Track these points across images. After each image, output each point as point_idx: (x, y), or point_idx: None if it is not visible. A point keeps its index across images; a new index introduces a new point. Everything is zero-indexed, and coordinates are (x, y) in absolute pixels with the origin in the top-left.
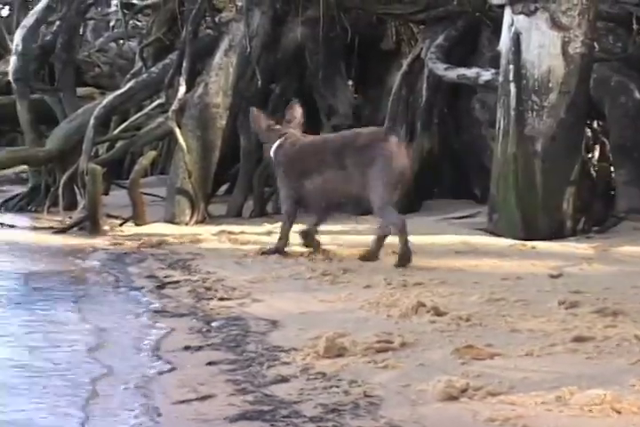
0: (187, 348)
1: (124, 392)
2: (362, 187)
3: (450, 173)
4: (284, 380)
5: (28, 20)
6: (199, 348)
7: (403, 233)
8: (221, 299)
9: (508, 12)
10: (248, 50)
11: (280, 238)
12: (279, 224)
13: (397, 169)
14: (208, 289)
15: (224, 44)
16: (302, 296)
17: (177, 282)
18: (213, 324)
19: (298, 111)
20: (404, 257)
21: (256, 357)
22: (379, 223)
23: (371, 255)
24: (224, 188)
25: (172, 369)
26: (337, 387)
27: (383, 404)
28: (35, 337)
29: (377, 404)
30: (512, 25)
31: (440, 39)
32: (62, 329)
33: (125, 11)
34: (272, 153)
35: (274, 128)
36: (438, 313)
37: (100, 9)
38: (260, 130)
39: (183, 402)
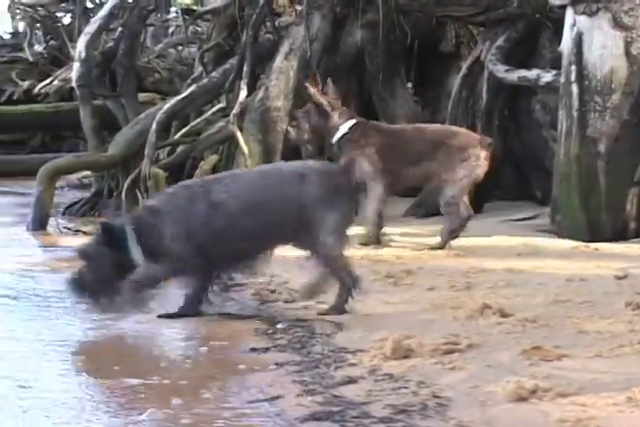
0: (253, 349)
1: None
2: (441, 180)
3: (510, 175)
4: (352, 381)
5: (91, 27)
6: (266, 349)
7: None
8: (286, 301)
9: (569, 12)
10: (308, 53)
11: (370, 234)
12: None
13: (480, 174)
14: (272, 292)
15: (284, 48)
16: (366, 298)
17: (240, 285)
18: (278, 326)
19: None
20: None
21: (322, 358)
22: (449, 218)
23: (438, 246)
24: None
25: (240, 370)
26: (405, 388)
27: (452, 405)
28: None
29: (446, 405)
30: (574, 26)
31: (500, 41)
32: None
33: (186, 16)
34: (342, 135)
35: (337, 111)
36: (504, 315)
37: (159, 15)
38: (316, 119)
39: (253, 402)
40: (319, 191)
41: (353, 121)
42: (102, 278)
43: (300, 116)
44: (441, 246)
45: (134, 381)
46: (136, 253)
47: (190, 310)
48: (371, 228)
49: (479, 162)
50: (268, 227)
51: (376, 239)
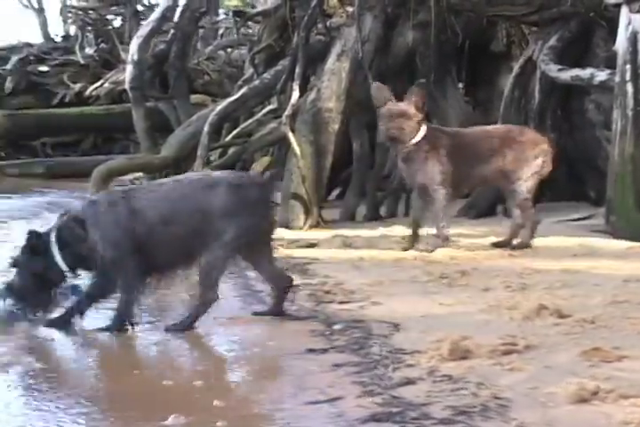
0: (311, 350)
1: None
2: (513, 178)
3: (563, 175)
4: (411, 382)
5: (143, 29)
6: (323, 350)
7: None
8: (341, 302)
9: (624, 11)
10: (360, 54)
11: (438, 236)
12: (394, 228)
13: (547, 171)
14: (327, 292)
15: (336, 49)
16: (421, 299)
17: (296, 286)
18: (335, 327)
19: (421, 95)
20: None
21: (380, 359)
22: (523, 214)
23: (524, 244)
24: (336, 192)
25: (298, 372)
26: (464, 389)
27: (513, 406)
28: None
29: (506, 406)
30: (629, 24)
31: (553, 40)
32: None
33: (237, 18)
34: (419, 140)
35: (413, 117)
36: (561, 316)
37: (209, 17)
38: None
39: (313, 403)
40: (223, 203)
41: (425, 126)
42: (29, 285)
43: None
44: (528, 244)
45: (194, 382)
46: (59, 260)
47: (119, 323)
48: (438, 232)
49: (547, 159)
50: (181, 238)
51: (443, 243)
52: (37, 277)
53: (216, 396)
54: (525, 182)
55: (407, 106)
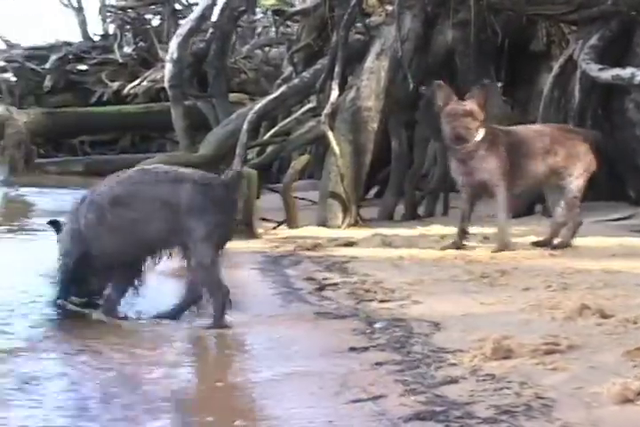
0: (352, 349)
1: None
2: (558, 175)
3: (603, 175)
4: (454, 381)
5: (183, 28)
6: (365, 349)
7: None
8: (381, 301)
9: None
10: (399, 53)
11: (500, 236)
12: (432, 227)
13: (595, 169)
14: (367, 291)
15: (375, 48)
16: (462, 298)
17: (335, 284)
18: (376, 325)
19: (484, 95)
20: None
21: (422, 358)
22: (569, 213)
23: (564, 243)
24: (374, 191)
25: (341, 370)
26: (507, 389)
27: (556, 406)
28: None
29: (550, 406)
30: None
31: (594, 40)
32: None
33: (276, 17)
34: (481, 141)
35: (478, 117)
36: (604, 316)
37: (246, 16)
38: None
39: (356, 402)
40: (190, 200)
41: (486, 128)
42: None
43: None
44: (568, 244)
45: (236, 379)
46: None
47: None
48: (501, 232)
49: (594, 157)
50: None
51: (507, 243)
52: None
53: (257, 394)
54: (576, 180)
55: (472, 105)
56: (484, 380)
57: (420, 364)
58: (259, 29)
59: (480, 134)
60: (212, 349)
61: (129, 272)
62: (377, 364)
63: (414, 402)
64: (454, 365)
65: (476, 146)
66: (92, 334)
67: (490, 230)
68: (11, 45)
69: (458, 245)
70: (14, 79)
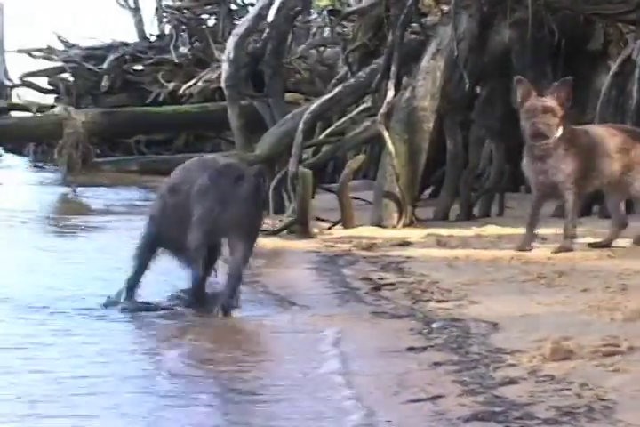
0: (410, 349)
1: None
2: (628, 175)
3: None
4: (513, 382)
5: (240, 28)
6: (423, 349)
7: None
8: (438, 301)
9: None
10: (455, 53)
11: (565, 237)
12: (487, 227)
13: None
14: (424, 291)
15: (431, 48)
16: (519, 299)
17: (392, 284)
18: (433, 325)
19: (565, 91)
20: None
21: (480, 358)
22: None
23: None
24: (428, 191)
25: (399, 369)
26: (568, 390)
27: (618, 408)
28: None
29: (611, 408)
30: None
31: None
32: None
33: (332, 17)
34: (559, 139)
35: (558, 113)
36: None
37: (301, 16)
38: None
39: (415, 401)
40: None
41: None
42: None
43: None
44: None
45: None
46: None
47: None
48: (567, 234)
49: None
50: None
51: (569, 246)
52: None
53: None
54: None
55: (552, 101)
56: (543, 381)
57: (478, 364)
58: (313, 29)
59: (559, 132)
60: (269, 346)
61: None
62: (435, 364)
63: (473, 402)
64: (513, 365)
65: (555, 144)
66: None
67: (547, 231)
68: (69, 46)
69: (521, 248)
70: (72, 79)
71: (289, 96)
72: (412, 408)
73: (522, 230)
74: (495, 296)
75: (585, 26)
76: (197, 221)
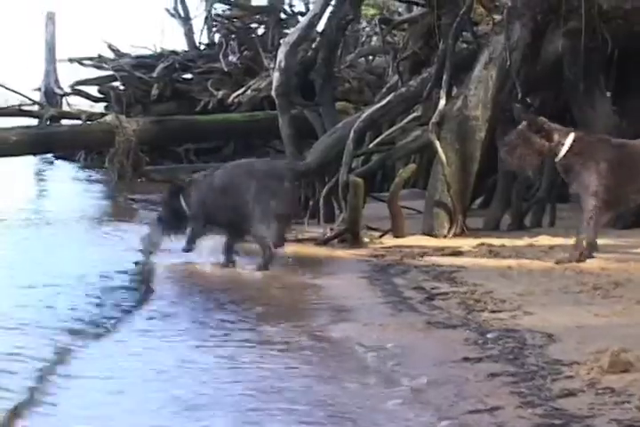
0: (466, 359)
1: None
2: None
3: None
4: (572, 394)
5: (291, 36)
6: (478, 359)
7: None
8: (492, 311)
9: None
10: (508, 62)
11: (576, 248)
12: (539, 237)
13: None
14: (477, 301)
15: (484, 57)
16: (575, 310)
17: (445, 294)
18: (488, 335)
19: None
20: None
21: (537, 370)
22: None
23: None
24: (478, 200)
25: (456, 380)
26: (628, 403)
27: None
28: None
29: None
30: None
31: None
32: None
33: (382, 26)
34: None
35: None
36: None
37: (350, 25)
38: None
39: (473, 413)
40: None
41: (573, 135)
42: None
43: (511, 141)
44: None
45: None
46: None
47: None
48: (581, 240)
49: None
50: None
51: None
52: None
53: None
54: None
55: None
56: (602, 393)
57: (535, 376)
58: (362, 38)
59: (565, 148)
60: (319, 356)
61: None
62: (491, 375)
63: (532, 414)
64: (571, 377)
65: (565, 161)
66: None
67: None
68: (120, 55)
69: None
70: (122, 88)
71: (338, 105)
72: (472, 419)
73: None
74: (550, 307)
75: (638, 35)
76: (260, 216)
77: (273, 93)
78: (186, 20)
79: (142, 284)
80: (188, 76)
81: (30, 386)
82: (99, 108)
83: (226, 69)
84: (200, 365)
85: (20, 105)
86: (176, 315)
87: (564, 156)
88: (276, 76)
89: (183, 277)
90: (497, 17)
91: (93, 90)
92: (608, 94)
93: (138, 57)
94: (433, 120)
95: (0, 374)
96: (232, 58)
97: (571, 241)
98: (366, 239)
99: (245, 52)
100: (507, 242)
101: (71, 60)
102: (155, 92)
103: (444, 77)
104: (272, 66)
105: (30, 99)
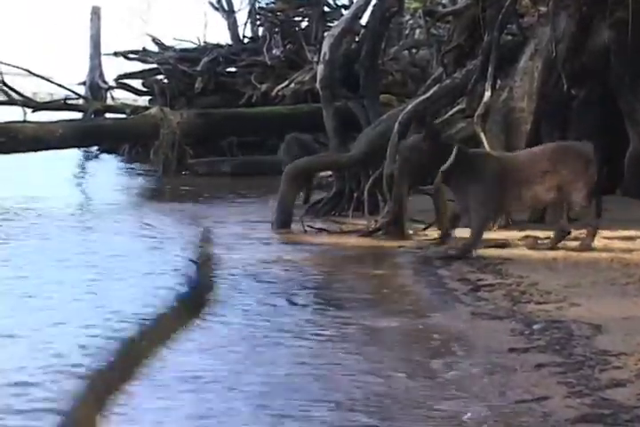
0: (512, 350)
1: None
2: None
3: None
4: (620, 384)
5: (335, 29)
6: (525, 350)
7: None
8: (538, 302)
9: None
10: (553, 54)
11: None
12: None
13: None
14: (523, 293)
15: (529, 49)
16: (622, 301)
17: (491, 285)
18: (535, 326)
19: None
20: None
21: (585, 360)
22: None
23: None
24: None
25: (502, 370)
26: None
27: None
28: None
29: None
30: None
31: None
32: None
33: (427, 18)
34: None
35: None
36: None
37: (394, 18)
38: None
39: (521, 402)
40: None
41: None
42: None
43: None
44: None
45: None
46: None
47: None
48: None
49: None
50: None
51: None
52: None
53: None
54: None
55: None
56: None
57: (582, 366)
58: (406, 31)
59: None
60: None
61: None
62: (538, 365)
63: (580, 404)
64: (619, 368)
65: None
66: None
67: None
68: (164, 48)
69: None
70: (166, 81)
71: (383, 97)
72: (519, 409)
73: (620, 233)
74: (596, 298)
75: None
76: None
77: (317, 86)
78: (229, 14)
79: None
80: (232, 69)
81: None
82: (143, 101)
83: (269, 63)
84: None
85: (65, 99)
86: None
87: None
88: (320, 68)
89: None
90: (542, 8)
91: (138, 83)
92: None
93: (182, 50)
94: (478, 112)
95: None
96: (275, 51)
97: (617, 233)
98: (410, 231)
99: (289, 46)
100: (551, 234)
101: (116, 54)
102: (198, 85)
103: (489, 70)
104: (315, 59)
105: (75, 92)
